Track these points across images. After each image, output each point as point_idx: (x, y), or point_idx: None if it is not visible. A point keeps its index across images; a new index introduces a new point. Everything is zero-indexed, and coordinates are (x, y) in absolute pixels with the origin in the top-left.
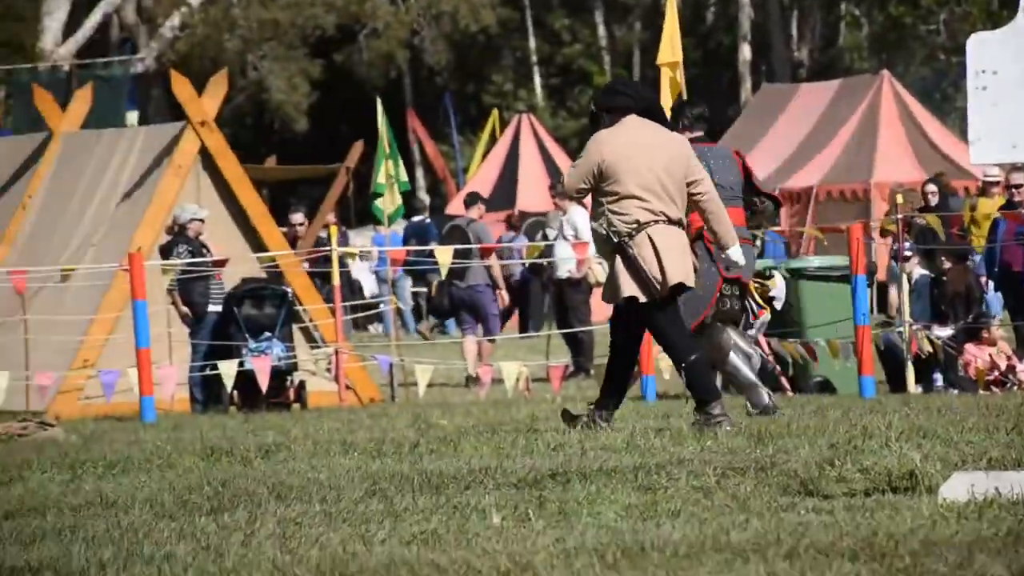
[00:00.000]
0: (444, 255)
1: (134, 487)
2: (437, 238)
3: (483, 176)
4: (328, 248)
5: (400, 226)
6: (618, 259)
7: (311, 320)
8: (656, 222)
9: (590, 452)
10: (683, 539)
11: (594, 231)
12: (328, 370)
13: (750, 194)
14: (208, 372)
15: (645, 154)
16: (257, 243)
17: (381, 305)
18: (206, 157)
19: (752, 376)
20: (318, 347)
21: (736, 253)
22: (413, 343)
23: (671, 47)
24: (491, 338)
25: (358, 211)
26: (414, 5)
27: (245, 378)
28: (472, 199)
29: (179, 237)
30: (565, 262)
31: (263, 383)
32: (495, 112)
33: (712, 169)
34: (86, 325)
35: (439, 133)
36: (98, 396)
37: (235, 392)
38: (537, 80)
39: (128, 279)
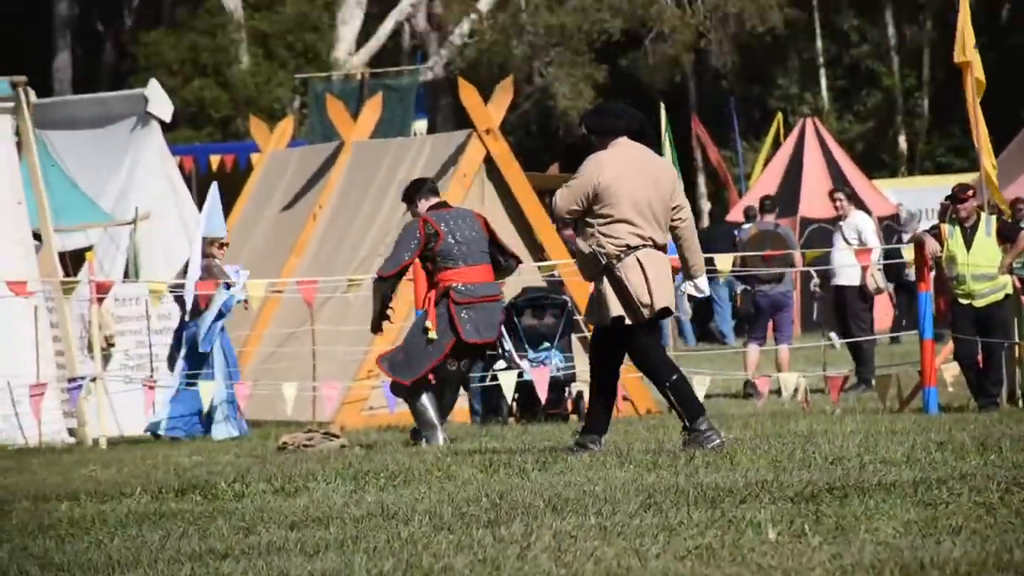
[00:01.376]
0: (724, 262)
1: (414, 498)
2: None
3: (765, 182)
4: None
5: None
6: (605, 280)
7: (591, 330)
8: (644, 246)
9: (869, 466)
10: (964, 557)
11: (580, 253)
12: None
13: (496, 253)
14: (487, 383)
15: (638, 178)
16: (539, 252)
17: None
18: (491, 165)
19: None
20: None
21: (703, 283)
22: (690, 353)
23: (964, 45)
24: (788, 346)
25: None
26: (700, 8)
27: (524, 388)
28: (770, 204)
29: None
30: (845, 268)
31: (542, 394)
32: (779, 116)
33: (451, 229)
34: (371, 336)
35: (722, 138)
36: (382, 406)
37: (514, 403)
38: (823, 82)
39: (413, 289)
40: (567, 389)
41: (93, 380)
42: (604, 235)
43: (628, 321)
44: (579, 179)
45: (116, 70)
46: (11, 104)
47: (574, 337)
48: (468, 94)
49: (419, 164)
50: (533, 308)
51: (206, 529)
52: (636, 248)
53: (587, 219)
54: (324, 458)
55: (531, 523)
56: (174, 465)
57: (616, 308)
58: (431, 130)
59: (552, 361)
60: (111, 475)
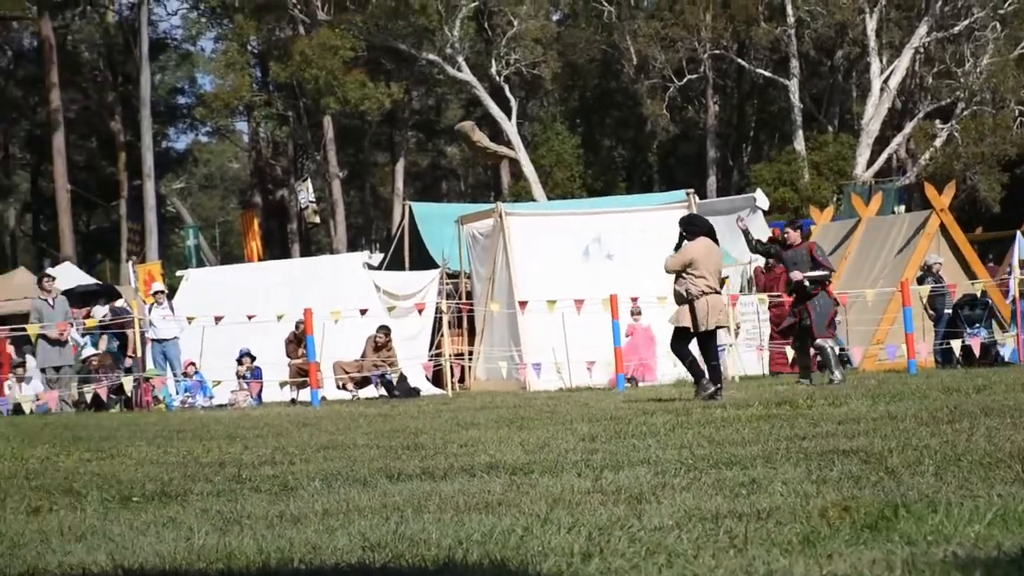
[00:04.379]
0: None
1: (905, 408)
2: None
3: None
4: (1009, 275)
5: None
6: (687, 306)
7: (1000, 314)
8: (710, 291)
9: None
10: None
11: (676, 291)
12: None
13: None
14: (945, 346)
15: (711, 257)
16: (972, 276)
17: None
18: (943, 228)
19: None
20: (1005, 331)
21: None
22: None
23: None
24: None
25: None
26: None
27: (966, 348)
28: None
29: (928, 273)
30: None
31: (976, 352)
32: None
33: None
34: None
35: None
36: (884, 359)
37: (960, 355)
38: None
39: (899, 299)
40: (992, 350)
41: (730, 345)
42: (691, 283)
43: (691, 329)
44: (679, 254)
45: (739, 185)
46: (686, 202)
47: (993, 321)
48: (930, 190)
49: (903, 230)
50: (970, 305)
51: (793, 423)
52: (707, 292)
53: (682, 274)
54: (853, 386)
55: (973, 422)
56: (775, 390)
57: (686, 321)
58: (908, 210)
59: (981, 333)
60: (740, 395)
